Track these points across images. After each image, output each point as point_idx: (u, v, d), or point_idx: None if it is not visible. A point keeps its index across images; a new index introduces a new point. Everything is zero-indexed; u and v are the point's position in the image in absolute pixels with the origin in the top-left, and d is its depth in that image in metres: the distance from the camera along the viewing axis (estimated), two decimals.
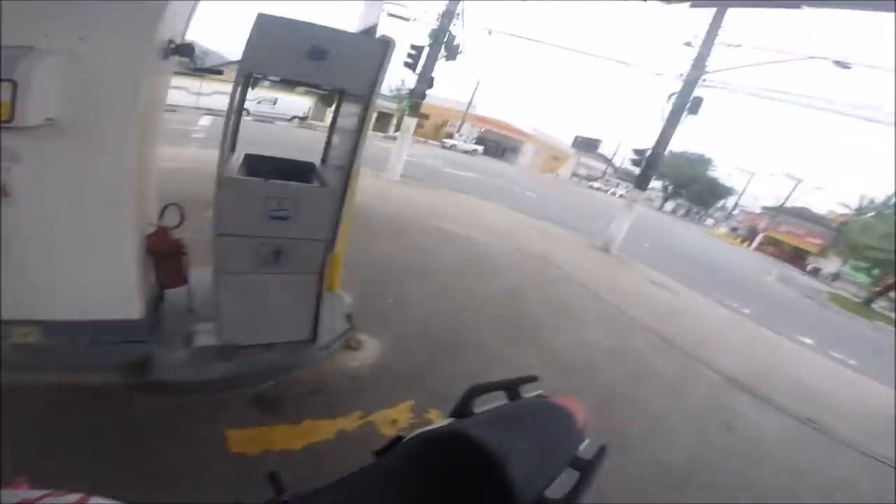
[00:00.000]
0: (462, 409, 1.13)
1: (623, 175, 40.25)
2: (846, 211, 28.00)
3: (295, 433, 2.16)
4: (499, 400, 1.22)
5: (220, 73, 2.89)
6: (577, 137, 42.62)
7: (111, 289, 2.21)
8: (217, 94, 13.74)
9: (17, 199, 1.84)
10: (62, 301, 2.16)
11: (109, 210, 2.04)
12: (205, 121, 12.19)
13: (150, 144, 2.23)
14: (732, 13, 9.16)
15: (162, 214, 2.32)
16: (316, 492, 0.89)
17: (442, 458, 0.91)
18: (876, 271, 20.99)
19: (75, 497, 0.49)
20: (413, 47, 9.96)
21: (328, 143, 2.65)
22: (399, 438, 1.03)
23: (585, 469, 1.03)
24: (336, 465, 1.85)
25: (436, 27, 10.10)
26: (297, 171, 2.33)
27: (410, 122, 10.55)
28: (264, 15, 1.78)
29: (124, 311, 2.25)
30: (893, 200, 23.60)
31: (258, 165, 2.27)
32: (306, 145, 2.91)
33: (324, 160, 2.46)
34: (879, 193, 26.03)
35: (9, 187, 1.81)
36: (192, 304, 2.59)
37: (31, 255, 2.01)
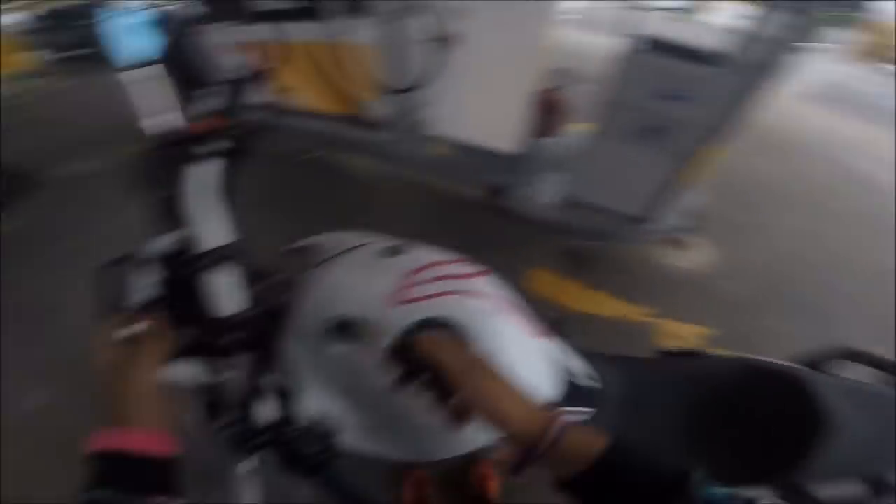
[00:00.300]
0: (812, 364, 0.98)
1: None
2: None
3: (584, 296, 2.40)
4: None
5: None
6: None
7: (499, 127, 2.89)
8: None
9: (456, 50, 2.58)
10: (465, 128, 3.05)
11: (516, 64, 2.58)
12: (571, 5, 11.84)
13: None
14: None
15: (551, 77, 2.71)
16: (607, 357, 0.94)
17: (761, 393, 0.84)
18: None
19: (481, 268, 0.71)
20: None
21: (737, 38, 2.21)
22: (699, 352, 0.99)
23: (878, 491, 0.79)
24: (603, 344, 2.01)
25: None
26: (701, 57, 2.11)
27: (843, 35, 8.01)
28: None
29: (504, 146, 2.94)
30: None
31: (661, 46, 2.18)
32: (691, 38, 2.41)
33: (729, 55, 2.11)
34: None
35: (454, 38, 2.54)
36: (557, 156, 3.02)
37: (451, 90, 2.84)
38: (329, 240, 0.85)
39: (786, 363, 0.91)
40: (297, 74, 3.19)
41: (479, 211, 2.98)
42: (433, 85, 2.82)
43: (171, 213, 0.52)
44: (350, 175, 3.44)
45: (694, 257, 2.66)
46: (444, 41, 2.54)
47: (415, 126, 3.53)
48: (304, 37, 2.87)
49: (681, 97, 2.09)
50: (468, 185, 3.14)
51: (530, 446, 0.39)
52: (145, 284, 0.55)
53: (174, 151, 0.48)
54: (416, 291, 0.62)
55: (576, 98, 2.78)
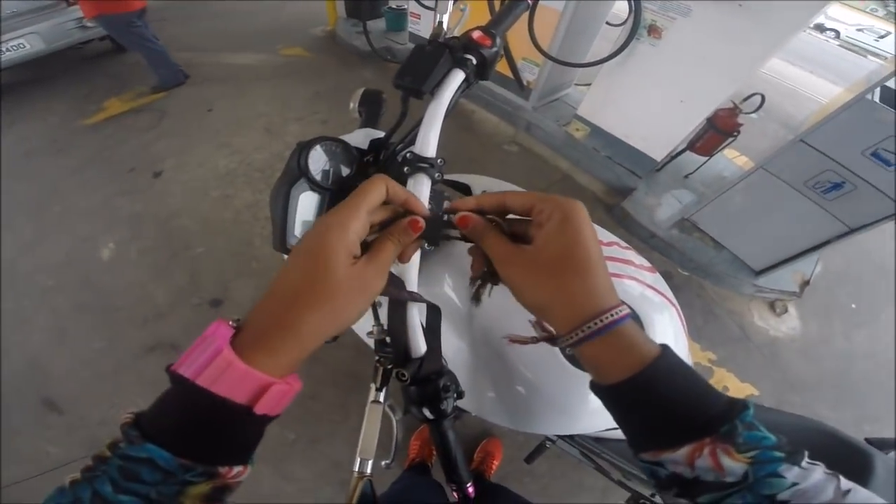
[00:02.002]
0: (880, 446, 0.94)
1: None
2: None
3: None
4: None
5: None
6: None
7: (656, 131, 2.67)
8: None
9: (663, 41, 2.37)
10: (616, 121, 2.86)
11: (714, 78, 2.27)
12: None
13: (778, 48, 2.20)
14: None
15: (737, 99, 2.48)
16: None
17: (832, 460, 0.82)
18: None
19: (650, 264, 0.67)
20: None
21: None
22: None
23: None
24: None
25: None
26: None
27: None
28: None
29: (651, 151, 2.75)
30: None
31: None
32: None
33: None
34: None
35: (661, 32, 2.33)
36: (691, 176, 2.88)
37: (623, 80, 2.66)
38: (490, 183, 0.85)
39: (859, 440, 0.90)
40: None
41: (590, 203, 2.85)
42: (604, 68, 2.68)
43: (403, 108, 0.55)
44: (476, 127, 3.43)
45: (781, 324, 2.38)
46: (637, 29, 2.34)
47: (561, 100, 3.42)
48: None
49: (889, 162, 1.73)
50: (593, 175, 3.00)
51: (586, 320, 0.33)
52: (337, 166, 0.58)
53: (443, 52, 0.48)
54: None
55: (747, 126, 2.58)
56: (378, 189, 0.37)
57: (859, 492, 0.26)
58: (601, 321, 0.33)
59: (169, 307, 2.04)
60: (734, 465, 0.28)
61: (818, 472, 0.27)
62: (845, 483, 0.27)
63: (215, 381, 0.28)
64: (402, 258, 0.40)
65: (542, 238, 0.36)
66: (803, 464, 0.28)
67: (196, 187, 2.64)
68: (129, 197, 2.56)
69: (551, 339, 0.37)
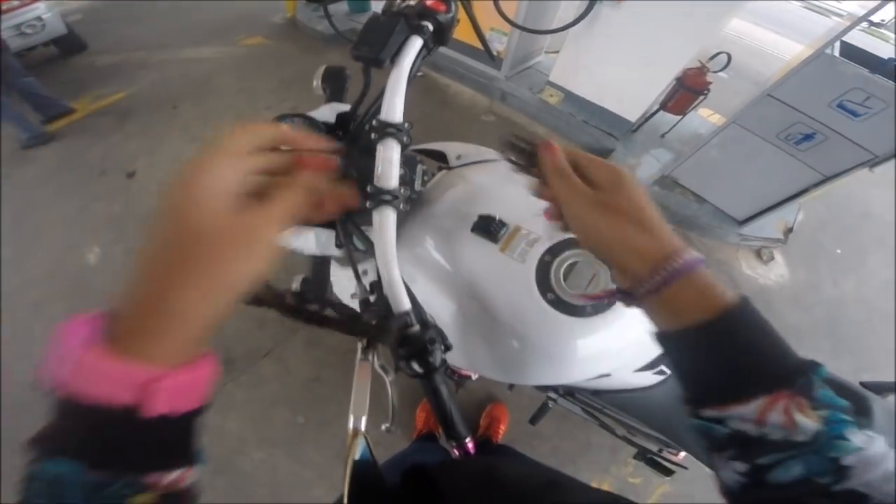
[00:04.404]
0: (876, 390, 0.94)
1: None
2: None
3: None
4: None
5: None
6: None
7: (626, 91, 2.70)
8: None
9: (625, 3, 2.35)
10: (587, 84, 2.88)
11: (680, 38, 2.31)
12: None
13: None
14: None
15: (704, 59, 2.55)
16: None
17: None
18: None
19: None
20: None
21: None
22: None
23: None
24: None
25: None
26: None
27: None
28: None
29: (625, 113, 2.79)
30: None
31: (855, 54, 1.81)
32: None
33: None
34: None
35: None
36: (667, 135, 2.92)
37: (590, 44, 2.65)
38: (464, 148, 0.86)
39: (855, 384, 0.88)
40: None
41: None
42: (570, 34, 2.65)
43: (366, 79, 0.56)
44: (452, 101, 3.40)
45: (769, 272, 2.47)
46: None
47: (533, 68, 3.40)
48: None
49: (856, 112, 1.80)
50: (570, 139, 3.01)
51: (655, 267, 0.32)
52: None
53: (398, 20, 0.49)
54: None
55: (718, 86, 2.64)
56: (265, 127, 0.31)
57: None
58: (686, 257, 0.31)
59: None
60: (807, 422, 0.25)
61: (881, 442, 0.26)
62: None
63: (87, 384, 0.23)
64: (321, 211, 0.34)
65: (608, 188, 0.36)
66: (869, 431, 0.26)
67: None
68: (105, 200, 2.50)
69: (627, 292, 0.35)
